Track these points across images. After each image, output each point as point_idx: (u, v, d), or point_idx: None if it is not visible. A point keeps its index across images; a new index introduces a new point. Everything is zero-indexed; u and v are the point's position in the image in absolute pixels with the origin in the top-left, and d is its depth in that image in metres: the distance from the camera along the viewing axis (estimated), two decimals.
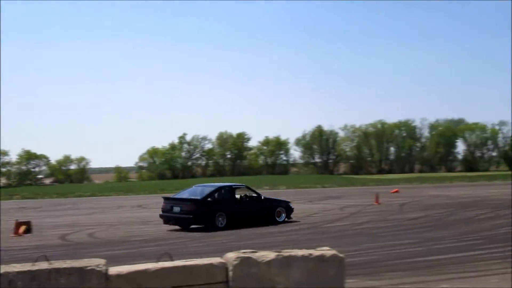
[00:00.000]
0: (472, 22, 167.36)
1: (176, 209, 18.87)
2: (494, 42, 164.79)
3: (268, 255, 4.74)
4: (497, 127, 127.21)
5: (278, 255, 4.76)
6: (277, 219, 19.94)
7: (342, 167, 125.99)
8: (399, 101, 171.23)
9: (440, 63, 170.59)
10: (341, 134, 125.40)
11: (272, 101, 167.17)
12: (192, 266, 4.56)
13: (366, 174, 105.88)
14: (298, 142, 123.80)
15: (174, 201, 19.61)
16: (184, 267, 4.55)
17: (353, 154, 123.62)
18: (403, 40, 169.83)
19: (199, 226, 18.54)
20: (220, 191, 20.02)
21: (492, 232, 14.86)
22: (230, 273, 4.57)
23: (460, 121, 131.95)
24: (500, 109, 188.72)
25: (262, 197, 20.58)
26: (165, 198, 20.19)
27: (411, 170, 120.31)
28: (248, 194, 20.87)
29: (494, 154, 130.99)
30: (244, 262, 4.59)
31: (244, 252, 4.71)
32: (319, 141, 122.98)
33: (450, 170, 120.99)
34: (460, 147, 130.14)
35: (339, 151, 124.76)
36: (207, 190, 20.04)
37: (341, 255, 4.95)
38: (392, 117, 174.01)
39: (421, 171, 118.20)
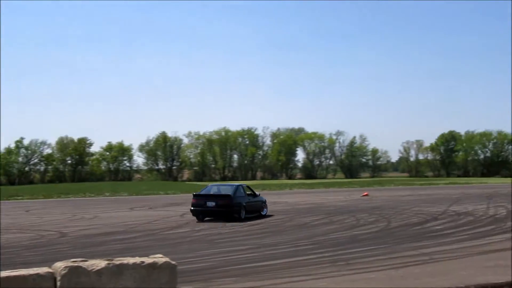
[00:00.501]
0: (292, 35, 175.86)
1: (210, 204, 21.83)
2: (324, 58, 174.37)
3: (99, 263, 4.68)
4: (334, 137, 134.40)
5: (109, 263, 4.73)
6: (261, 212, 23.89)
7: (186, 174, 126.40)
8: (242, 109, 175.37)
9: (279, 73, 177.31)
10: (186, 140, 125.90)
11: (116, 105, 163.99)
12: (18, 276, 4.36)
13: (210, 181, 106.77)
14: (142, 148, 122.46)
15: (207, 197, 22.56)
16: (9, 278, 4.35)
17: (197, 161, 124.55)
18: (243, 49, 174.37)
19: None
20: (239, 189, 23.34)
21: (324, 237, 15.59)
22: (58, 283, 4.43)
23: (300, 130, 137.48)
24: (337, 119, 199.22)
25: (258, 194, 24.76)
26: (196, 195, 23.23)
27: (254, 177, 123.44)
28: (249, 192, 24.29)
29: (332, 162, 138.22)
30: (73, 271, 4.49)
31: (73, 261, 4.60)
32: (163, 148, 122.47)
33: (290, 177, 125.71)
34: (300, 155, 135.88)
35: (183, 157, 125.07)
36: (231, 188, 23.63)
37: (173, 262, 5.00)
38: (236, 125, 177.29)
39: (263, 178, 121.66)
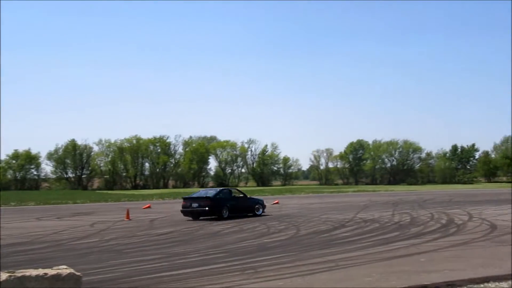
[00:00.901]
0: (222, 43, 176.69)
1: (195, 205, 26.22)
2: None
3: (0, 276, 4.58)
4: (246, 145, 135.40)
5: (10, 276, 4.62)
6: (256, 212, 27.86)
7: (97, 183, 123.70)
8: (155, 118, 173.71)
9: (190, 81, 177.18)
10: (96, 149, 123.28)
11: (23, 112, 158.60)
12: None
13: (121, 190, 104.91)
14: (50, 156, 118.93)
15: (192, 199, 26.84)
16: None
17: (108, 169, 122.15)
18: (153, 57, 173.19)
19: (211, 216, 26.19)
20: (223, 191, 28.31)
21: (235, 245, 15.66)
22: None
23: (213, 139, 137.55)
24: (250, 128, 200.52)
25: (248, 196, 29.37)
26: (184, 198, 27.58)
27: (166, 186, 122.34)
28: (238, 195, 29.14)
29: (244, 170, 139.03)
30: None
31: None
32: (73, 156, 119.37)
33: (202, 185, 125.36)
34: (212, 164, 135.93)
35: (93, 166, 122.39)
36: (215, 191, 29.01)
37: (78, 273, 4.94)
38: (148, 133, 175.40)
39: (175, 187, 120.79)
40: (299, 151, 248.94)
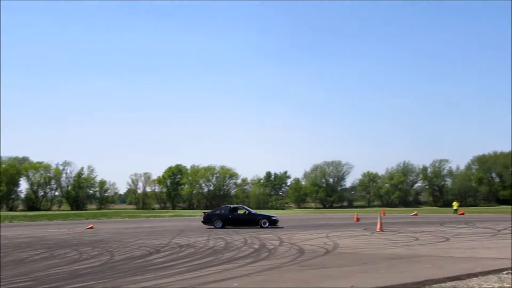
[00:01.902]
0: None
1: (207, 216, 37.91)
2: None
3: None
4: (61, 167, 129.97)
5: None
6: (262, 226, 36.22)
7: None
8: None
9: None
10: None
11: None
12: None
13: None
14: None
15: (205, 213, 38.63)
16: None
17: None
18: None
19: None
20: (224, 208, 38.79)
21: (44, 273, 14.90)
22: None
23: (25, 159, 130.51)
24: (64, 149, 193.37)
25: (251, 212, 38.84)
26: (204, 212, 39.30)
27: None
28: (242, 211, 39.22)
29: (57, 193, 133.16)
30: None
31: None
32: None
33: (12, 209, 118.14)
34: (24, 186, 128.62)
35: None
36: (218, 208, 40.31)
37: None
38: None
39: None
40: (117, 175, 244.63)
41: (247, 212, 38.62)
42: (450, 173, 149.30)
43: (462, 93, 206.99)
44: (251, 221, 36.89)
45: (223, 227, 36.54)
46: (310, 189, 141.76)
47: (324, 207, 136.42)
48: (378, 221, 32.12)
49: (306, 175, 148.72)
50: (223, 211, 38.05)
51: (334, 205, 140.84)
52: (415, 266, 14.67)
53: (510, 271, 12.89)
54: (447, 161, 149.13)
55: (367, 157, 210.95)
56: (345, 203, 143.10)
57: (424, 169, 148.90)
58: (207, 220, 37.29)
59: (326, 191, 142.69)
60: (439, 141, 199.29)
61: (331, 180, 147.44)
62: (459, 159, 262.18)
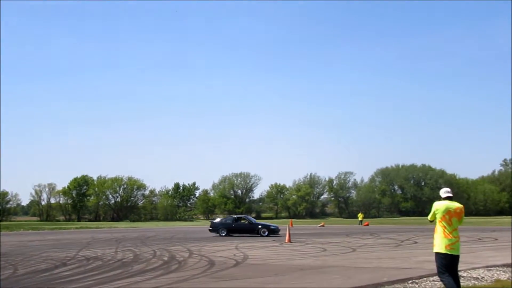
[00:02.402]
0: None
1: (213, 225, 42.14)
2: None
3: None
4: None
5: None
6: (262, 234, 39.30)
7: None
8: None
9: None
10: None
11: None
12: None
13: None
14: None
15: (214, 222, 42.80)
16: None
17: None
18: None
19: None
20: (228, 219, 43.53)
21: None
22: None
23: None
24: None
25: (252, 222, 41.82)
26: (211, 221, 43.99)
27: None
28: (244, 221, 42.05)
29: None
30: None
31: None
32: None
33: None
34: None
35: None
36: (222, 218, 48.82)
37: None
38: None
39: None
40: (19, 185, 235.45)
41: (247, 222, 41.82)
42: (355, 185, 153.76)
43: (363, 105, 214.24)
44: (252, 230, 40.36)
45: (227, 235, 40.32)
46: (219, 200, 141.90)
47: None
48: (287, 232, 32.59)
49: (214, 187, 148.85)
50: (228, 221, 42.35)
51: None
52: (324, 276, 14.98)
53: (415, 281, 13.42)
54: (351, 173, 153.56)
55: (275, 169, 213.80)
56: (253, 215, 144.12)
57: (330, 181, 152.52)
58: (214, 229, 41.29)
59: (235, 202, 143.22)
60: (344, 153, 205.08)
61: (239, 191, 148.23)
62: (363, 171, 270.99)
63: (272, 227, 40.66)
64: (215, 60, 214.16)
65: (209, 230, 41.79)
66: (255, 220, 44.08)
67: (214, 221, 43.32)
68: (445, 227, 9.67)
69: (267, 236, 38.82)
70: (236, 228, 40.93)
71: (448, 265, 9.62)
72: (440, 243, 9.70)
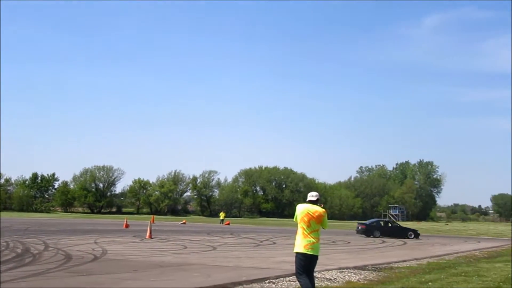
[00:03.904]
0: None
1: (361, 227, 46.08)
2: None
3: None
4: None
5: None
6: (409, 237, 43.42)
7: None
8: None
9: None
10: None
11: None
12: None
13: None
14: None
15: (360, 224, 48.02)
16: None
17: None
18: None
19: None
20: (377, 222, 47.53)
21: None
22: None
23: None
24: None
25: (401, 226, 48.19)
26: (359, 222, 51.05)
27: None
28: (393, 224, 50.24)
29: None
30: None
31: None
32: None
33: None
34: None
35: None
36: (372, 220, 50.18)
37: None
38: None
39: None
40: None
41: (391, 225, 48.37)
42: (218, 184, 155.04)
43: (234, 106, 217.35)
44: (401, 234, 44.20)
45: (378, 236, 43.62)
46: (79, 193, 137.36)
47: (93, 212, 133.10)
48: (148, 228, 32.31)
49: (75, 179, 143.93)
50: (375, 223, 46.68)
51: (103, 210, 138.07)
52: (184, 274, 15.02)
53: (272, 281, 13.80)
54: (216, 172, 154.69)
55: (140, 164, 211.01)
56: (114, 209, 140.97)
57: (194, 179, 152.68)
58: (368, 231, 44.47)
59: (96, 196, 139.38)
60: (209, 152, 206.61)
61: (101, 185, 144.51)
62: (228, 171, 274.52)
63: (418, 232, 45.38)
64: None
65: (357, 231, 45.56)
66: (398, 223, 53.15)
67: (365, 222, 47.97)
68: (304, 228, 10.03)
69: (412, 238, 43.11)
70: (386, 231, 44.95)
71: (306, 265, 9.97)
72: (299, 244, 10.05)
